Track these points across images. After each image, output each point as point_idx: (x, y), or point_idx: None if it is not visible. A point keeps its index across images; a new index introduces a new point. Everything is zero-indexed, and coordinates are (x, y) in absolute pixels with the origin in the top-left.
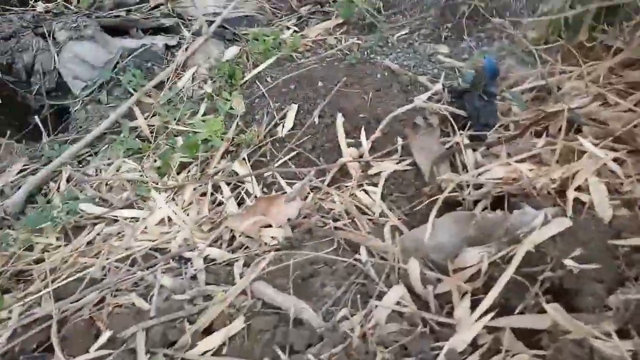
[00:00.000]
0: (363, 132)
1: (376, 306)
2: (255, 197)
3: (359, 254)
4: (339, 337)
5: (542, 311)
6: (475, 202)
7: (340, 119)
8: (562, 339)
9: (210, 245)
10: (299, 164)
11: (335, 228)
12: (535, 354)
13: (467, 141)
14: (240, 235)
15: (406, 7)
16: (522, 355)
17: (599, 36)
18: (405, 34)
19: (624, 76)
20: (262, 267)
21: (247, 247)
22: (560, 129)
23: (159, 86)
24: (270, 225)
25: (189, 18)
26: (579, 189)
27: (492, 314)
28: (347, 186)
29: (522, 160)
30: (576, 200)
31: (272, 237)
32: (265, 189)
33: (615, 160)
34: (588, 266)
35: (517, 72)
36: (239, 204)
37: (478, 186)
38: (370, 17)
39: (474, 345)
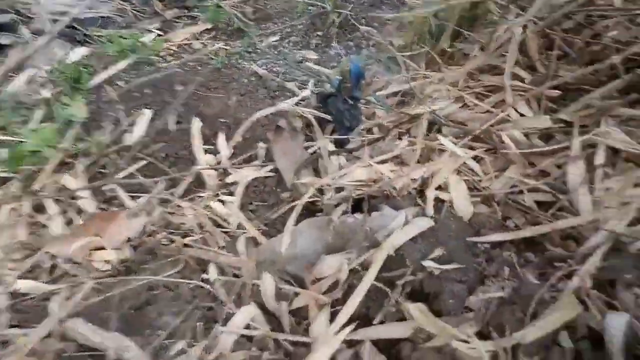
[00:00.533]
0: (222, 138)
1: (222, 332)
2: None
3: (208, 274)
4: None
5: (403, 318)
6: (337, 207)
7: (196, 123)
8: (422, 347)
9: (22, 277)
10: (148, 175)
11: (185, 245)
12: None
13: (331, 145)
14: (65, 262)
15: (277, 15)
16: None
17: (459, 44)
18: (275, 40)
19: (482, 80)
20: (81, 299)
21: (75, 275)
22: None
23: None
24: (104, 248)
25: (31, 16)
26: (439, 188)
27: (351, 327)
28: (201, 197)
29: (383, 162)
30: (437, 199)
31: (106, 261)
32: (104, 206)
33: (474, 158)
34: (448, 266)
35: (383, 77)
36: (69, 224)
37: (339, 190)
38: (239, 22)
39: None
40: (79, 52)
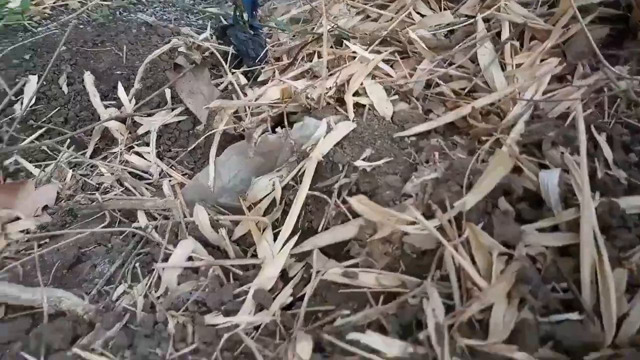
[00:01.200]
0: (121, 89)
1: (163, 268)
2: None
3: (139, 222)
4: (115, 317)
5: (346, 221)
6: (256, 129)
7: (89, 78)
8: (369, 241)
9: None
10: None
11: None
12: (347, 265)
13: (243, 79)
14: None
15: None
16: (334, 269)
17: None
18: None
19: None
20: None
21: None
22: (330, 47)
23: None
24: (18, 218)
25: None
26: (357, 94)
27: (294, 240)
28: (114, 153)
29: (296, 78)
30: (357, 105)
31: (21, 231)
32: (9, 179)
33: (386, 62)
34: (379, 162)
35: (282, 4)
36: None
37: (257, 114)
38: None
39: (285, 278)
40: None
